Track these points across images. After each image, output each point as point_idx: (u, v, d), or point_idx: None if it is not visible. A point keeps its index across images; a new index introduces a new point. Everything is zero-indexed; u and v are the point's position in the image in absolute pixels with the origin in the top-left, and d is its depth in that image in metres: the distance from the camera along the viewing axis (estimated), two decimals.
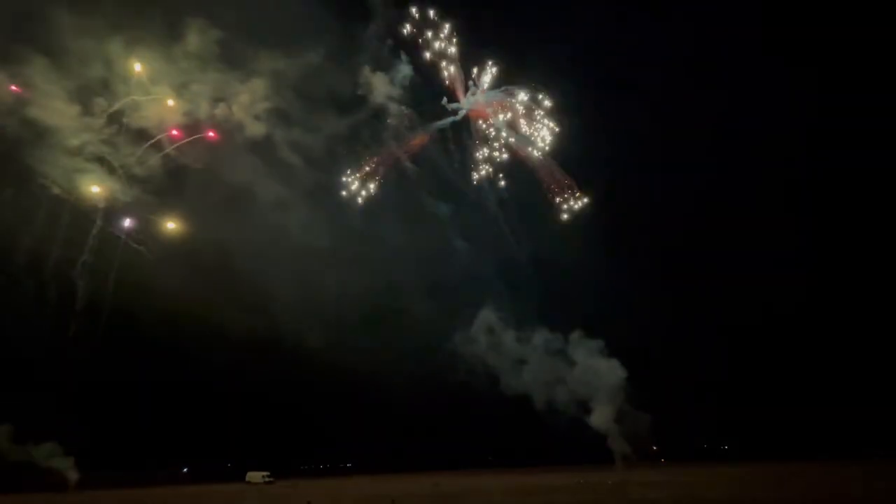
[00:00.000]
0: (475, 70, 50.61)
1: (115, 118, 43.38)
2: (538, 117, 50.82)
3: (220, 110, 45.63)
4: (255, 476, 68.61)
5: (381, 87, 50.70)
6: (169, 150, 46.03)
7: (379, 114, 51.54)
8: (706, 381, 67.51)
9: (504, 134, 52.11)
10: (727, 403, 68.27)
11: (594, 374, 54.86)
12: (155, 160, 45.35)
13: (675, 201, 70.03)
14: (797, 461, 63.08)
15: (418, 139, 52.96)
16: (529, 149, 52.35)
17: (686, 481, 47.63)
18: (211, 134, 46.61)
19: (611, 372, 54.55)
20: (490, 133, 52.34)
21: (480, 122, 52.34)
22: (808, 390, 68.62)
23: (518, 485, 52.54)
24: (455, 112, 51.79)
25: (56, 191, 43.22)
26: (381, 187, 52.56)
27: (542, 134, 51.05)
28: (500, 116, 51.47)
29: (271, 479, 68.10)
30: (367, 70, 50.42)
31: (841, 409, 67.17)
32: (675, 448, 75.84)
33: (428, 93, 51.40)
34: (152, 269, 49.51)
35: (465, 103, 51.50)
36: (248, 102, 46.29)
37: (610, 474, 56.23)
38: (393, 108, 51.42)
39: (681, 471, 59.98)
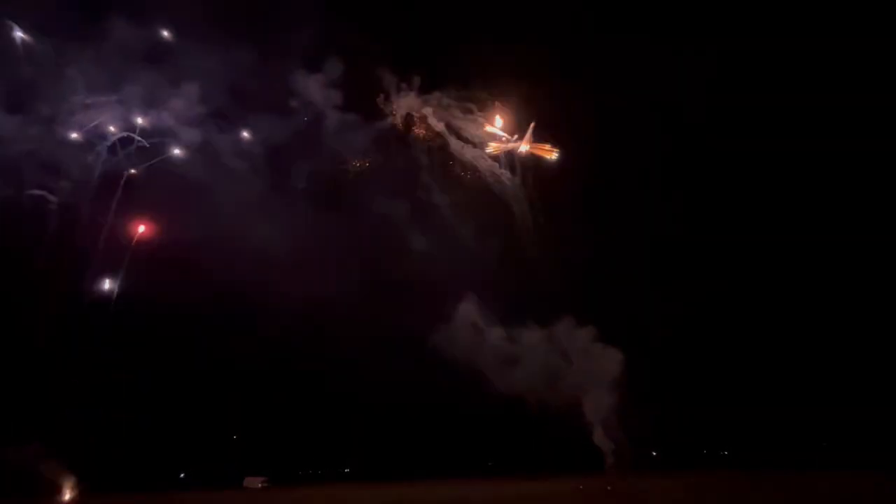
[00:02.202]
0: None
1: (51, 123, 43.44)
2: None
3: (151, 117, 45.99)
4: (252, 482, 68.08)
5: (317, 90, 51.14)
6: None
7: (317, 117, 52.07)
8: (706, 384, 67.05)
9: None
10: (727, 407, 67.57)
11: (590, 363, 54.40)
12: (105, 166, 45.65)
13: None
14: (800, 469, 62.49)
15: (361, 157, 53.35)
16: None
17: (689, 488, 47.21)
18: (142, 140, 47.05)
19: (608, 359, 54.06)
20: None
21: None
22: (814, 393, 67.40)
23: (517, 492, 52.18)
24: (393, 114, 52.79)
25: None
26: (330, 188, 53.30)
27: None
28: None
29: (269, 485, 67.59)
30: (302, 73, 50.82)
31: (851, 413, 66.01)
32: (674, 454, 75.24)
33: (364, 95, 52.32)
34: (140, 274, 50.12)
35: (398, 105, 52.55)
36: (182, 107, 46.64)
37: (609, 481, 55.69)
38: (331, 112, 51.92)
39: (682, 477, 59.34)
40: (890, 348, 64.48)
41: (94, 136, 45.14)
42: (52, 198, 44.73)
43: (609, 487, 51.60)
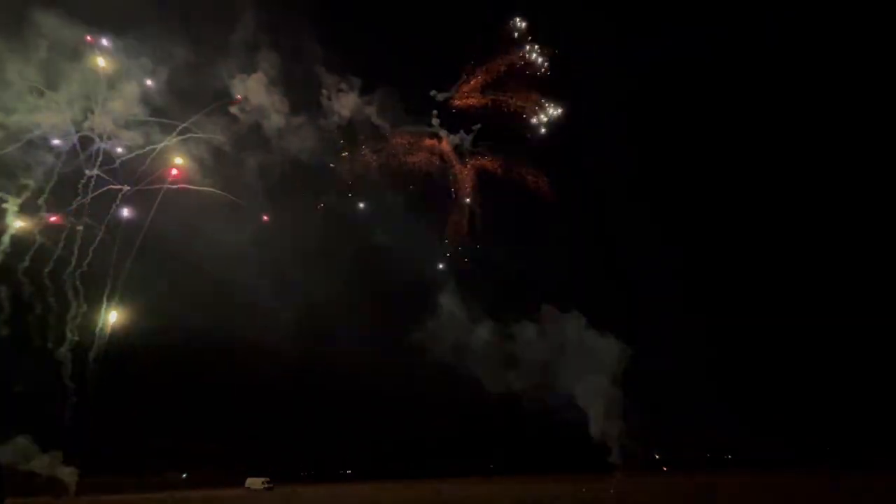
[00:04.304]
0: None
1: None
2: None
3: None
4: (254, 482, 68.25)
5: (258, 90, 51.11)
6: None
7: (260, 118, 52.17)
8: (707, 386, 66.69)
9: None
10: (730, 410, 67.26)
11: (584, 351, 54.07)
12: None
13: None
14: (804, 471, 62.26)
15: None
16: None
17: (692, 491, 47.12)
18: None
19: (602, 347, 53.69)
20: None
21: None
22: (821, 394, 66.76)
23: (520, 494, 52.00)
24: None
25: None
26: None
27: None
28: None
29: (271, 486, 67.74)
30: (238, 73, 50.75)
31: (856, 414, 65.54)
32: (676, 456, 75.11)
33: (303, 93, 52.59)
34: (142, 275, 50.55)
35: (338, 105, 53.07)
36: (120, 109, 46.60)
37: (611, 482, 55.66)
38: (274, 113, 51.96)
39: (686, 480, 59.30)
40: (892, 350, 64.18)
41: (54, 137, 45.26)
42: (9, 198, 44.79)
43: (612, 490, 51.50)
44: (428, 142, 56.73)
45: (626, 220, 70.54)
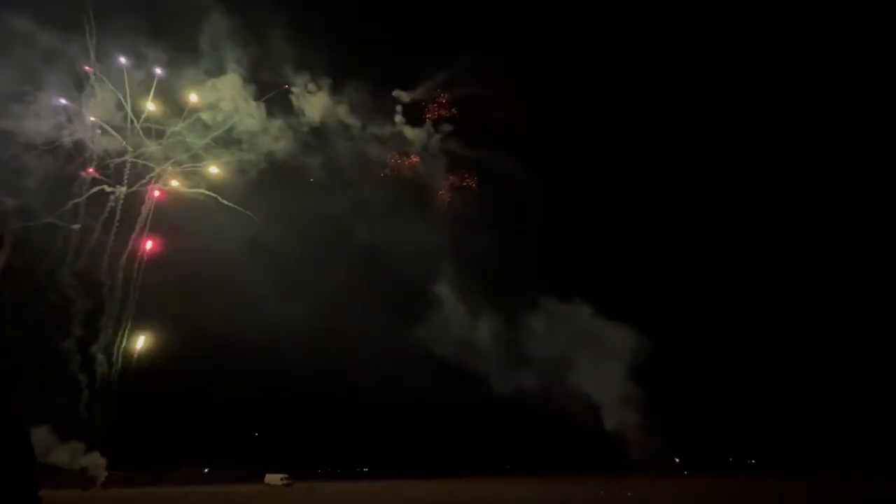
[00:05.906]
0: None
1: None
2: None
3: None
4: (273, 478, 69.22)
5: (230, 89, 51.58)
6: None
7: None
8: (728, 388, 64.86)
9: None
10: (752, 412, 65.31)
11: (593, 340, 53.13)
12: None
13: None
14: (832, 476, 60.13)
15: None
16: None
17: (713, 494, 46.05)
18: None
19: (614, 335, 52.65)
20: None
21: None
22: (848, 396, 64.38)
23: (535, 494, 51.56)
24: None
25: None
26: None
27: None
28: None
29: (290, 482, 68.64)
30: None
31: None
32: (696, 460, 73.32)
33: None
34: (166, 273, 51.93)
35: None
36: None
37: (629, 484, 54.71)
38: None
39: (706, 484, 57.93)
40: None
41: (47, 140, 46.57)
42: (10, 201, 46.24)
43: (629, 493, 50.62)
44: (396, 160, 57.39)
45: (624, 212, 69.29)
